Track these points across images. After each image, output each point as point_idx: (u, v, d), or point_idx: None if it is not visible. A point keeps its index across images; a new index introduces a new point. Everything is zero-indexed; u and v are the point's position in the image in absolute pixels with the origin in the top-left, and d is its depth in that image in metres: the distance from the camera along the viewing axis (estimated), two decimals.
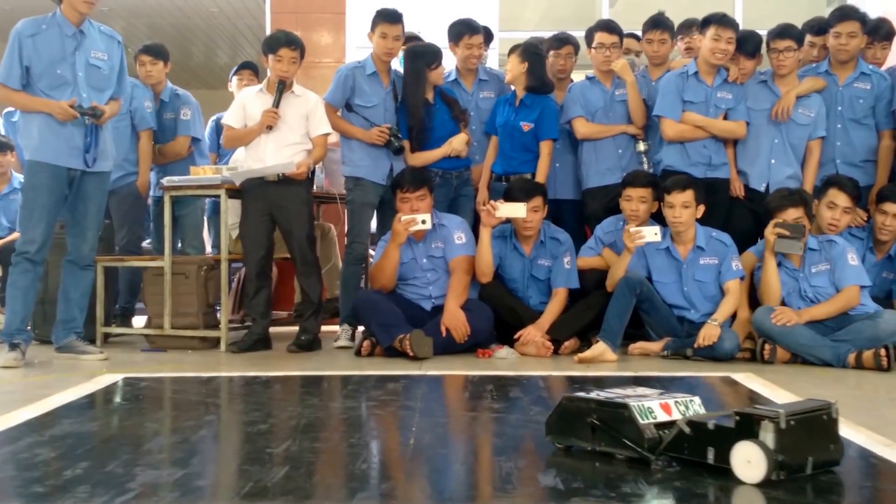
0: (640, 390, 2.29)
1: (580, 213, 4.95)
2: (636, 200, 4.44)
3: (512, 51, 4.75)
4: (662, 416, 2.12)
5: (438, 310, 4.39)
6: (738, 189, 4.65)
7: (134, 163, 5.18)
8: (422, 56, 4.71)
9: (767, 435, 1.91)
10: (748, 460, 1.92)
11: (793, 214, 4.11)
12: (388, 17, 4.64)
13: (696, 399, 2.23)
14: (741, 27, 4.73)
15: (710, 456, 1.99)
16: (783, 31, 4.57)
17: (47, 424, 2.69)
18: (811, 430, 1.98)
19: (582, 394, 2.25)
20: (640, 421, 2.09)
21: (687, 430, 2.03)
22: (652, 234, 4.22)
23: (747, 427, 1.94)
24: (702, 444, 2.01)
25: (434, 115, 4.70)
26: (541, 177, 4.71)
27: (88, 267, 4.36)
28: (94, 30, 4.21)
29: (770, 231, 4.08)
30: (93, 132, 4.15)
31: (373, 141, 4.63)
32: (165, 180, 4.79)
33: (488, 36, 5.44)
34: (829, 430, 2.03)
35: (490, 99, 4.99)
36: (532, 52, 4.75)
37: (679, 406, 2.17)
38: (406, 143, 4.68)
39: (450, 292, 4.40)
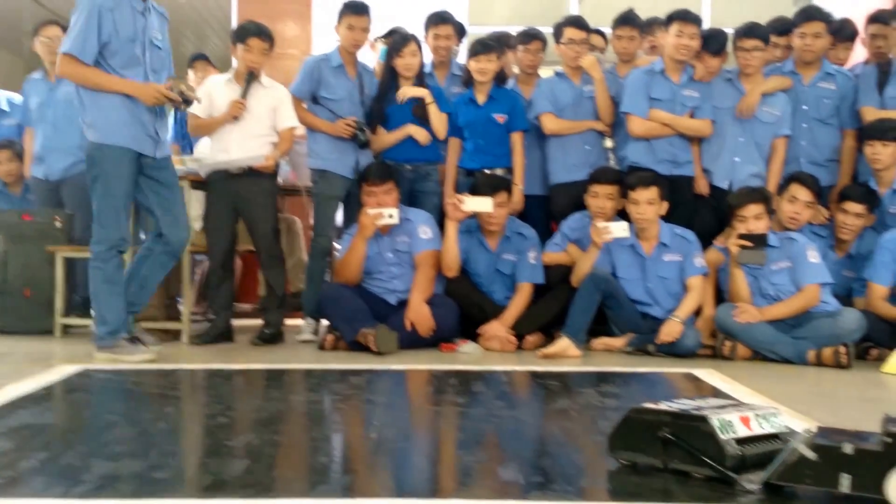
0: (713, 401, 2.12)
1: (546, 209, 4.96)
2: (603, 197, 4.46)
3: (484, 50, 4.70)
4: (743, 431, 1.95)
5: (403, 304, 4.38)
6: (702, 187, 4.69)
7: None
8: (391, 45, 4.72)
9: None
10: None
11: (753, 210, 4.16)
12: (355, 9, 4.62)
13: (777, 410, 2.07)
14: (709, 26, 4.77)
15: (845, 484, 1.78)
16: (750, 30, 4.61)
17: (3, 415, 2.63)
18: None
19: (650, 405, 2.06)
20: (721, 436, 1.91)
21: (812, 455, 1.81)
22: (620, 229, 4.24)
23: None
24: (833, 470, 1.79)
25: (394, 102, 4.68)
26: (518, 168, 4.72)
27: (178, 257, 4.12)
28: (151, 8, 3.94)
29: (733, 243, 4.11)
30: (161, 118, 3.91)
31: (339, 134, 4.61)
32: None
33: (461, 30, 5.42)
34: None
35: (464, 94, 4.96)
36: (498, 48, 4.78)
37: (759, 419, 2.00)
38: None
39: (415, 287, 4.39)
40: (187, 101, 3.87)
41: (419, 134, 4.65)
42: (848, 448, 1.79)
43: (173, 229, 3.95)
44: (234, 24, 6.40)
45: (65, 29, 5.22)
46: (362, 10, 4.62)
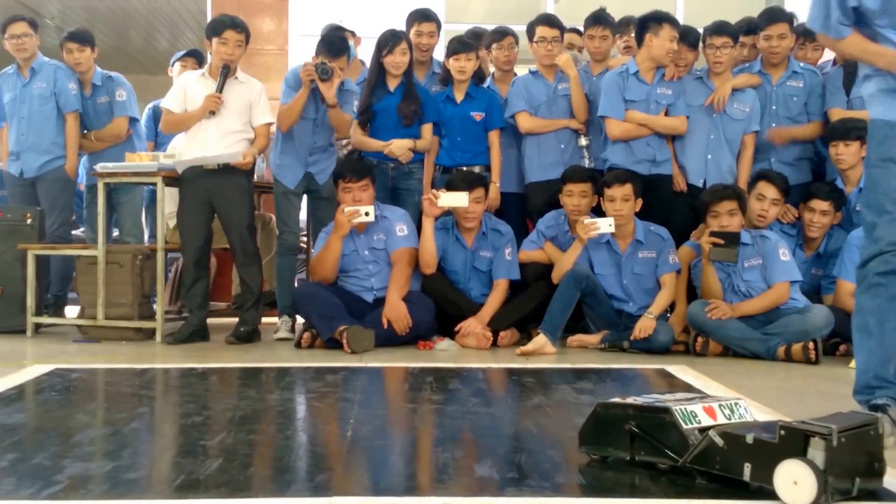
0: (680, 394, 2.14)
1: (522, 207, 4.98)
2: (577, 195, 4.48)
3: (463, 49, 4.71)
4: (707, 421, 1.97)
5: (380, 302, 4.38)
6: (681, 183, 4.72)
7: (62, 146, 5.06)
8: (378, 43, 4.71)
9: (817, 453, 1.73)
10: (794, 481, 1.74)
11: (727, 206, 4.20)
12: (330, 50, 4.53)
13: (741, 401, 2.08)
14: (682, 24, 4.82)
15: (747, 472, 1.82)
16: (720, 28, 4.65)
17: None
18: (859, 447, 1.80)
19: (618, 399, 2.09)
20: (684, 426, 1.93)
21: (720, 441, 1.86)
22: (606, 225, 4.26)
23: (794, 443, 1.77)
24: (737, 458, 1.84)
25: (381, 100, 4.68)
26: (496, 166, 4.73)
27: None
28: None
29: (705, 240, 4.15)
30: None
31: (307, 78, 4.43)
32: (99, 166, 4.67)
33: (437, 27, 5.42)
34: (876, 446, 1.86)
35: (442, 93, 4.95)
36: (476, 46, 4.79)
37: (724, 409, 2.01)
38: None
39: (391, 284, 4.38)
40: None
41: (400, 152, 4.64)
42: (749, 438, 1.84)
43: None
44: (209, 18, 6.35)
45: (32, 24, 5.17)
46: (339, 52, 4.52)
